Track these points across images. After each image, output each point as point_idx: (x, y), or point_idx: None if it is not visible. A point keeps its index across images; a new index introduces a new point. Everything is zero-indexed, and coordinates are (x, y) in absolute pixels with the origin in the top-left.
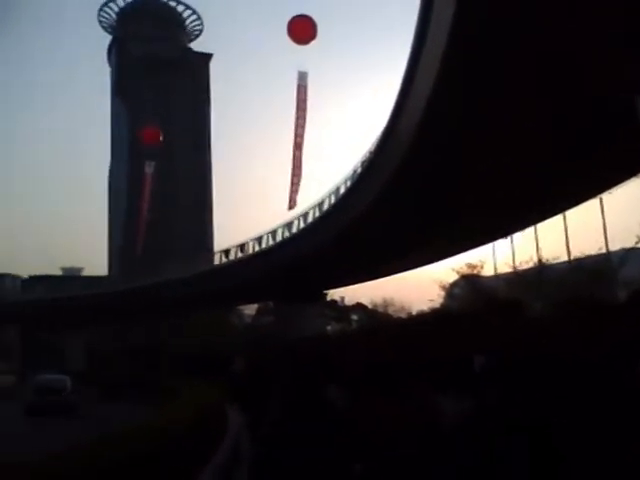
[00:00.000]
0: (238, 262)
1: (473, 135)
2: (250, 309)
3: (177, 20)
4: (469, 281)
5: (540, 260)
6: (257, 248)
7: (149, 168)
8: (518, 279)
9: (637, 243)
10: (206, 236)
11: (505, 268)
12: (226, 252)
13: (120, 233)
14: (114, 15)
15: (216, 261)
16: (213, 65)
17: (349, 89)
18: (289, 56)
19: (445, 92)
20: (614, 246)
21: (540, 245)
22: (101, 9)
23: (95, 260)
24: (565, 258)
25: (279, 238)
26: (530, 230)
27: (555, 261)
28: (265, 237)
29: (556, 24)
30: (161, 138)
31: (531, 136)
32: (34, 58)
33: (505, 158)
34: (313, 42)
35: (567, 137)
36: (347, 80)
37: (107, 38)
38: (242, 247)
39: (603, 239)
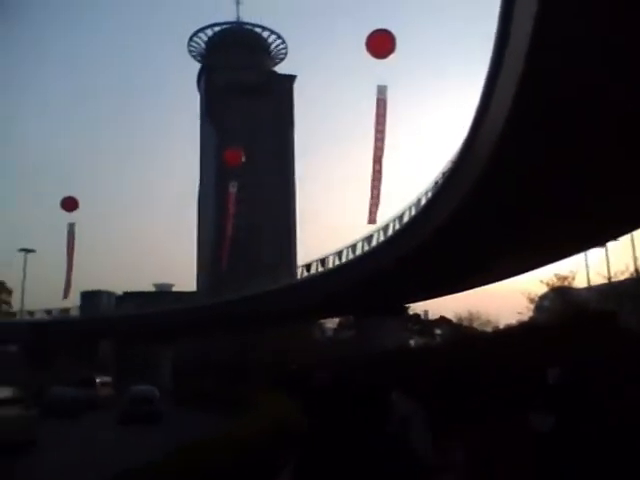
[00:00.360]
0: (319, 276)
1: (558, 146)
2: (332, 322)
3: (262, 45)
4: (559, 293)
5: (637, 270)
6: (337, 262)
7: (233, 188)
8: (612, 290)
9: None
10: (290, 252)
11: (598, 279)
12: (307, 266)
13: (208, 250)
14: (203, 44)
15: (298, 276)
16: (297, 86)
17: (426, 102)
18: (369, 72)
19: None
20: None
21: (637, 254)
22: (191, 39)
23: (186, 277)
24: None
25: (359, 252)
26: (626, 238)
27: None
28: (345, 251)
29: None
30: (243, 159)
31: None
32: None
33: (593, 165)
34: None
35: None
36: (424, 93)
37: (197, 66)
38: (323, 261)
39: None
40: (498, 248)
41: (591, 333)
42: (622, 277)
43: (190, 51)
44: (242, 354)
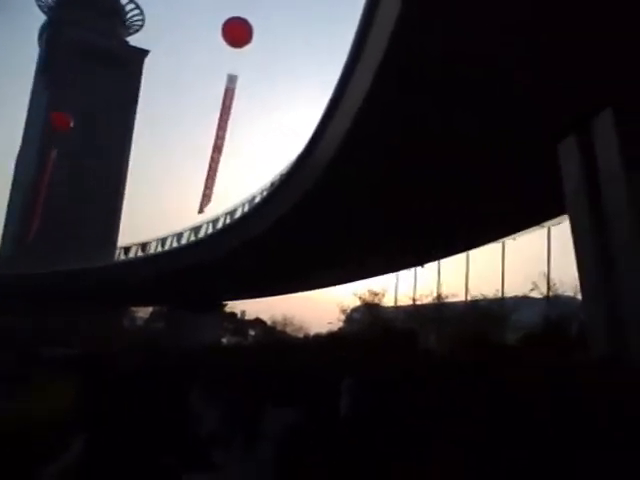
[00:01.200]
0: (137, 261)
1: (393, 166)
2: (144, 312)
3: (118, 12)
4: (369, 307)
5: (440, 296)
6: (160, 249)
7: (54, 154)
8: (416, 311)
9: (531, 291)
10: (113, 231)
11: (406, 300)
12: (126, 249)
13: (17, 216)
14: None
15: (116, 257)
16: (148, 62)
17: (281, 102)
18: (226, 60)
19: (366, 123)
20: (510, 291)
21: (441, 281)
22: None
23: None
24: (463, 297)
25: (184, 241)
26: (433, 265)
27: (454, 299)
28: (170, 239)
29: None
30: (72, 124)
31: (442, 178)
32: None
33: (419, 197)
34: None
35: (480, 181)
36: (279, 91)
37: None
38: (144, 246)
39: (500, 283)
40: (319, 257)
41: (395, 348)
42: (426, 300)
43: (39, 4)
44: (36, 333)
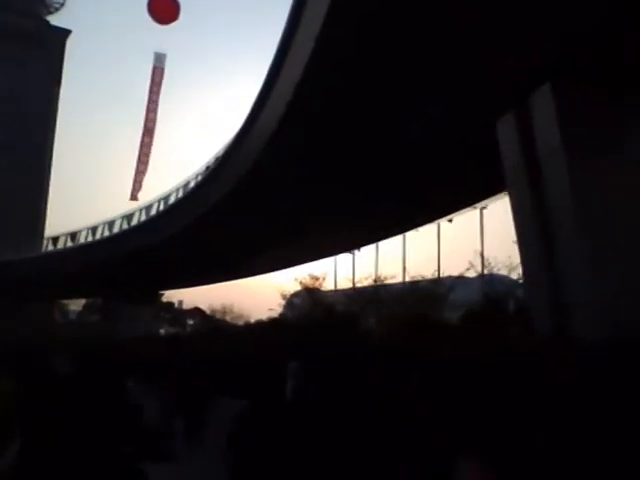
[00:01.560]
0: (68, 251)
1: (323, 150)
2: (76, 304)
3: None
4: (309, 292)
5: (379, 278)
6: (90, 238)
7: None
8: (357, 294)
9: (467, 270)
10: (39, 221)
11: (346, 283)
12: (54, 240)
13: None
14: None
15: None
16: (71, 42)
17: (217, 79)
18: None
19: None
20: (449, 272)
21: (380, 263)
22: None
23: None
24: (404, 278)
25: (117, 229)
26: (371, 248)
27: (392, 280)
28: (101, 227)
29: None
30: None
31: (380, 158)
32: None
33: (354, 175)
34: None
35: (415, 161)
36: (216, 69)
37: None
38: (73, 236)
39: (437, 263)
40: (258, 243)
41: (337, 331)
42: (366, 283)
43: None
44: None
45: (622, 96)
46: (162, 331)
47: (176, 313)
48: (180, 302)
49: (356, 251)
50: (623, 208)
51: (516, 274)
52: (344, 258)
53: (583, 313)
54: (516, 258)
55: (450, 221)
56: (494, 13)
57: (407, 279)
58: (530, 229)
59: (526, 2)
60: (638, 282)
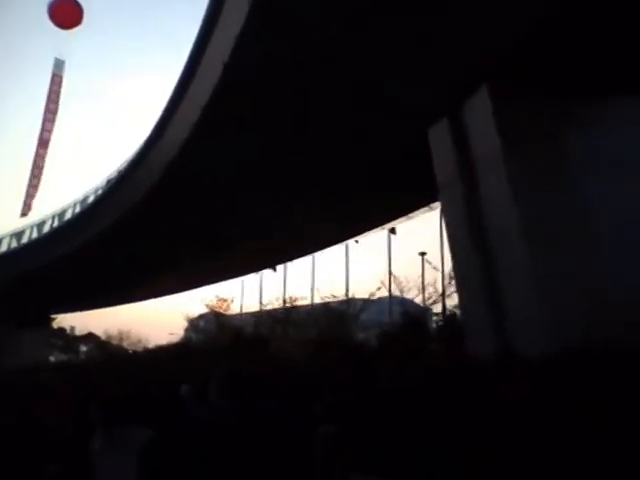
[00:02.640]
0: None
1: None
2: None
3: None
4: (217, 315)
5: (288, 299)
6: None
7: None
8: (266, 316)
9: (378, 289)
10: None
11: (254, 305)
12: None
13: None
14: None
15: None
16: None
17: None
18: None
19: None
20: (361, 291)
21: (291, 284)
22: None
23: None
24: (313, 299)
25: (5, 248)
26: (280, 269)
27: (302, 302)
28: None
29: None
30: None
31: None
32: None
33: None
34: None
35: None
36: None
37: None
38: None
39: (348, 284)
40: (159, 264)
41: (246, 354)
42: (276, 304)
43: None
44: None
45: (561, 97)
46: (52, 358)
47: (68, 339)
48: (72, 328)
49: (264, 272)
50: (565, 217)
51: (427, 294)
52: (252, 279)
53: (526, 329)
54: (427, 278)
55: (357, 242)
56: (424, 13)
57: (320, 300)
58: (465, 243)
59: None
60: (582, 294)
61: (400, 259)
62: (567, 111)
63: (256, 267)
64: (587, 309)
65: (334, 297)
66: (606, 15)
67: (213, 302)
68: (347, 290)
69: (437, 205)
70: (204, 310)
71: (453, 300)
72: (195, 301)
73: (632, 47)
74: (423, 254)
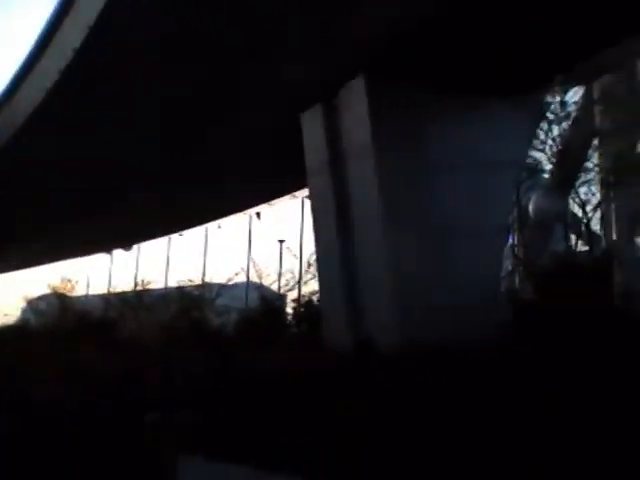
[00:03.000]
0: None
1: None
2: None
3: None
4: (59, 296)
5: (140, 282)
6: None
7: None
8: (116, 299)
9: (236, 275)
10: None
11: (103, 287)
12: None
13: None
14: None
15: None
16: None
17: None
18: None
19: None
20: (219, 276)
21: (143, 267)
22: None
23: None
24: (167, 283)
25: None
26: (133, 251)
27: (157, 285)
28: None
29: None
30: None
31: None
32: None
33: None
34: None
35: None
36: None
37: None
38: None
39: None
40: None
41: (90, 337)
42: (127, 287)
43: None
44: None
45: (430, 95)
46: None
47: None
48: None
49: (115, 253)
50: (422, 211)
51: (284, 280)
52: (101, 259)
53: (383, 320)
54: (285, 265)
55: (219, 227)
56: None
57: (175, 283)
58: (330, 231)
59: None
60: (439, 288)
61: (261, 245)
62: (433, 109)
63: (106, 247)
64: (436, 295)
65: (190, 281)
66: (470, 20)
67: (56, 283)
68: (204, 274)
69: (300, 193)
70: (46, 291)
71: (309, 287)
72: (37, 282)
73: (496, 49)
74: (282, 241)
